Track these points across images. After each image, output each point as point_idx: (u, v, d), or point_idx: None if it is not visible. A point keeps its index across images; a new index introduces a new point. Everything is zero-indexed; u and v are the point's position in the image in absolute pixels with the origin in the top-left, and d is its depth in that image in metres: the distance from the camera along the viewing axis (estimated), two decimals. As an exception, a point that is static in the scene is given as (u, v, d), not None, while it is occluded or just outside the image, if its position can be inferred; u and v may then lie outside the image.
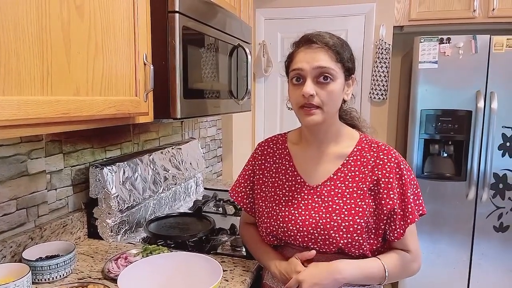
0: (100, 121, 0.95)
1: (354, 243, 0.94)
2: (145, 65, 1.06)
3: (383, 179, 0.96)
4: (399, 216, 0.95)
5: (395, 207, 0.94)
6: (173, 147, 1.80)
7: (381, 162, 0.97)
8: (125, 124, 1.59)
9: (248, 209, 1.12)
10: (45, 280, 1.04)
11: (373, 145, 1.01)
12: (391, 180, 0.95)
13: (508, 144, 2.23)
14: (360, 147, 1.01)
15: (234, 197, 1.14)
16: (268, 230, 1.02)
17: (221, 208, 1.76)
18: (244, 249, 1.30)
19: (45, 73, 0.76)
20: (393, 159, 0.97)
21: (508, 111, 2.21)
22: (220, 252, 1.30)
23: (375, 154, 0.98)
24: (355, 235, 0.93)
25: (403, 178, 0.96)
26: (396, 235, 0.96)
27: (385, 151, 0.99)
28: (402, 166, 0.97)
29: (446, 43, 2.25)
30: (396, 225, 0.95)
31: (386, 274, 0.94)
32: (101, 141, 1.46)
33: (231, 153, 2.72)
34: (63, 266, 1.06)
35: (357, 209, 0.94)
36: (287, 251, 1.02)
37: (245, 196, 1.12)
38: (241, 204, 1.13)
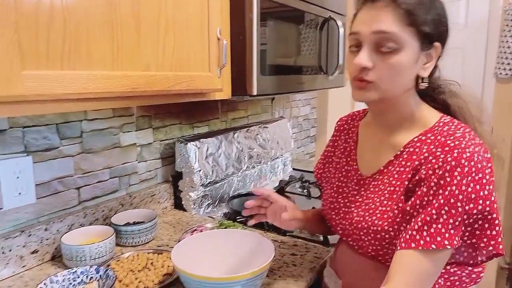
0: (171, 97, 0.96)
1: (385, 250, 0.77)
2: (219, 40, 1.04)
3: (423, 183, 0.71)
4: (415, 224, 0.71)
5: (407, 208, 0.73)
6: (260, 125, 1.79)
7: (433, 161, 0.71)
8: (213, 102, 1.63)
9: (323, 189, 1.03)
10: (129, 243, 1.13)
11: (439, 137, 0.74)
12: (427, 181, 0.71)
13: None
14: (423, 137, 0.77)
15: (315, 174, 1.06)
16: (323, 213, 0.94)
17: (306, 190, 1.70)
18: (322, 236, 1.23)
19: (115, 49, 0.79)
20: (449, 159, 0.69)
21: None
22: (296, 235, 1.25)
23: (434, 149, 0.72)
24: (384, 243, 0.77)
25: (449, 188, 0.68)
26: (401, 240, 0.72)
27: (448, 148, 0.70)
28: (456, 173, 0.68)
29: None
30: (408, 230, 0.72)
31: None
32: (189, 118, 1.52)
33: (325, 133, 2.61)
34: (144, 232, 1.14)
35: (389, 213, 0.76)
36: (341, 245, 0.93)
37: (323, 175, 1.03)
38: (319, 182, 1.04)
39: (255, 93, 1.17)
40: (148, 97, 0.90)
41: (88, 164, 1.16)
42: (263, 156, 1.75)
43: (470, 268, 0.77)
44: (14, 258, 0.97)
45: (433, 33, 0.74)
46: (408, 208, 0.73)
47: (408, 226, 0.72)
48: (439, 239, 0.68)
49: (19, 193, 0.99)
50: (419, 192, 0.72)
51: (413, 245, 0.70)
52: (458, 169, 0.68)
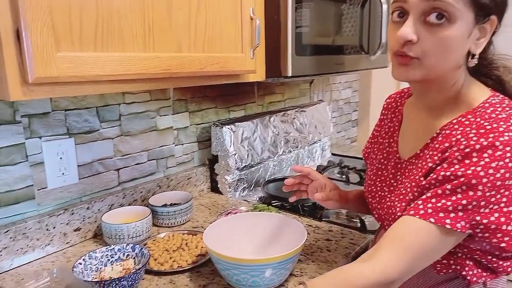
0: (203, 79, 0.96)
1: None
2: (252, 20, 1.01)
3: (447, 160, 0.65)
4: (421, 195, 0.66)
5: (423, 183, 0.67)
6: (297, 109, 1.75)
7: (463, 141, 0.64)
8: (250, 86, 1.61)
9: (369, 170, 0.98)
10: (165, 224, 1.16)
11: (478, 118, 0.66)
12: (452, 160, 0.64)
13: None
14: (463, 119, 0.69)
15: (363, 153, 1.01)
16: (365, 195, 0.90)
17: (344, 176, 1.65)
18: (359, 222, 1.19)
19: (147, 30, 0.80)
20: (481, 140, 0.62)
21: None
22: (332, 220, 1.22)
23: (468, 131, 0.65)
24: None
25: (472, 168, 0.61)
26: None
27: (483, 130, 0.63)
28: (486, 155, 0.61)
29: None
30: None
31: None
32: (225, 102, 1.52)
33: (368, 117, 2.52)
34: (180, 214, 1.16)
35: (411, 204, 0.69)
36: (381, 230, 0.88)
37: (368, 151, 0.98)
38: (366, 161, 0.99)
39: (290, 74, 1.14)
40: (181, 79, 0.90)
41: (127, 146, 1.20)
42: (300, 140, 1.72)
43: (495, 259, 0.69)
44: (58, 235, 1.02)
45: (490, 4, 0.65)
46: (424, 182, 0.67)
47: (421, 196, 0.66)
48: (441, 215, 0.62)
49: (62, 173, 1.04)
50: (438, 167, 0.66)
51: (411, 212, 0.64)
52: (489, 151, 0.61)
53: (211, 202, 1.36)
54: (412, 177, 0.74)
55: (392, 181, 0.81)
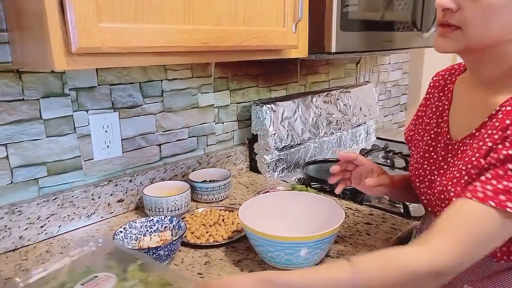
0: (243, 53, 0.94)
1: None
2: (295, -8, 0.98)
3: (509, 138, 0.59)
4: (479, 176, 0.60)
5: (473, 158, 0.62)
6: (342, 90, 1.69)
7: None
8: (292, 65, 1.57)
9: (411, 151, 0.93)
10: (203, 200, 1.17)
11: None
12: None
13: None
14: None
15: (405, 136, 0.96)
16: (410, 180, 0.85)
17: (389, 160, 1.58)
18: (402, 207, 1.14)
19: (187, 2, 0.79)
20: None
21: None
22: (373, 204, 1.17)
23: None
24: None
25: None
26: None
27: None
28: None
29: None
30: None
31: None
32: (267, 81, 1.50)
33: (418, 101, 2.38)
34: (218, 190, 1.17)
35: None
36: (428, 216, 0.83)
37: (410, 134, 0.93)
38: (409, 145, 0.94)
39: (333, 50, 1.09)
40: (220, 53, 0.89)
41: (168, 122, 1.21)
42: (343, 122, 1.66)
43: None
44: (102, 205, 1.07)
45: None
46: (482, 163, 0.62)
47: (478, 178, 0.61)
48: (502, 197, 0.57)
49: (107, 146, 1.08)
50: (500, 146, 0.60)
51: (468, 195, 0.59)
52: None
53: (249, 181, 1.36)
54: (466, 159, 0.68)
55: (443, 163, 0.76)
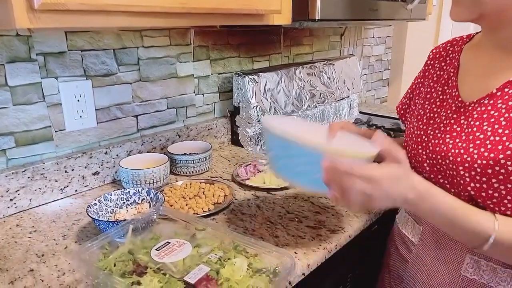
0: (224, 17, 0.88)
1: (490, 191, 0.64)
2: (278, -47, 0.92)
3: None
4: None
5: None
6: (325, 62, 1.65)
7: None
8: (275, 35, 1.52)
9: (405, 124, 0.92)
10: (183, 172, 1.14)
11: None
12: None
13: None
14: None
15: (397, 110, 0.96)
16: (405, 151, 0.83)
17: (372, 134, 1.57)
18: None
19: (162, -43, 0.73)
20: None
21: None
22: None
23: None
24: (494, 180, 0.64)
25: None
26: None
27: None
28: None
29: None
30: None
31: (493, 237, 0.61)
32: (249, 51, 1.45)
33: (400, 77, 2.38)
34: (199, 163, 1.14)
35: (508, 144, 0.63)
36: None
37: (407, 110, 0.92)
38: (402, 118, 0.94)
39: (318, 17, 1.05)
40: (199, 15, 0.83)
41: (146, 92, 1.16)
42: (327, 95, 1.63)
43: None
44: (76, 178, 1.02)
45: None
46: None
47: None
48: None
49: (80, 116, 1.02)
50: None
51: None
52: None
53: (231, 155, 1.33)
54: (492, 120, 0.66)
55: (455, 126, 0.73)
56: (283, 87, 1.43)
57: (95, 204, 0.84)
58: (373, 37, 2.14)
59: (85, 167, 1.03)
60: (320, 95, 1.60)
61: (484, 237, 0.62)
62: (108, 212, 0.85)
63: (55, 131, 0.99)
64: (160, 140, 1.20)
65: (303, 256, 0.76)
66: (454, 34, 2.33)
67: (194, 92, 1.30)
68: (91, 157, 1.04)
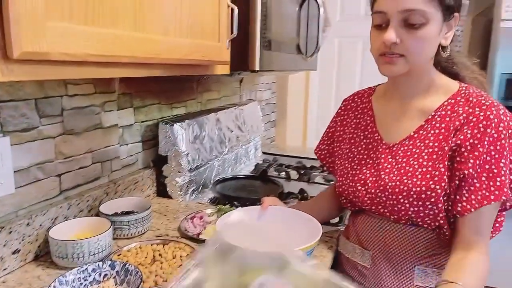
0: (185, 67, 0.86)
1: (427, 212, 0.80)
2: (228, 7, 0.95)
3: (471, 140, 0.76)
4: (474, 188, 0.76)
5: (466, 172, 0.75)
6: (236, 107, 1.72)
7: (474, 119, 0.77)
8: (190, 82, 1.52)
9: (331, 169, 1.05)
10: (123, 235, 1.01)
11: (471, 98, 0.80)
12: (479, 142, 0.75)
13: None
14: (453, 101, 0.82)
15: (317, 154, 1.07)
16: (340, 189, 0.94)
17: (284, 173, 1.68)
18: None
19: (137, 4, 0.68)
20: (491, 117, 0.76)
21: None
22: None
23: (470, 110, 0.78)
24: (428, 203, 0.78)
25: (498, 143, 0.75)
26: (460, 208, 0.77)
27: (484, 107, 0.77)
28: (501, 128, 0.75)
29: (537, -4, 1.99)
30: (464, 197, 0.76)
31: None
32: (168, 98, 1.40)
33: (285, 118, 2.62)
34: (141, 222, 1.02)
35: (433, 172, 0.78)
36: (361, 218, 0.93)
37: (327, 154, 1.05)
38: (324, 162, 1.06)
39: (257, 68, 1.10)
40: (167, 66, 0.79)
41: (70, 147, 1.00)
42: (240, 139, 1.69)
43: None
44: (-6, 261, 0.80)
45: (453, 4, 0.78)
46: (470, 170, 0.76)
47: (472, 188, 0.76)
48: (505, 190, 0.75)
49: (-4, 182, 0.81)
50: (476, 153, 0.75)
51: (485, 202, 0.75)
52: (501, 124, 0.76)
53: (163, 208, 1.23)
54: (415, 156, 0.82)
55: (386, 164, 0.86)
56: (207, 133, 1.42)
57: (50, 292, 0.67)
58: (262, 83, 2.32)
59: (4, 245, 0.82)
60: (237, 139, 1.64)
61: None
62: (65, 299, 0.69)
63: (-37, 205, 0.76)
64: (88, 200, 1.04)
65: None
66: (321, 82, 2.72)
67: (119, 143, 1.18)
68: (10, 232, 0.83)
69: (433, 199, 0.78)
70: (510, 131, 0.76)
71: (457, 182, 0.78)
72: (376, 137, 0.91)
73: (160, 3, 0.73)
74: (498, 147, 0.75)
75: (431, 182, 0.78)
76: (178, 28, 0.79)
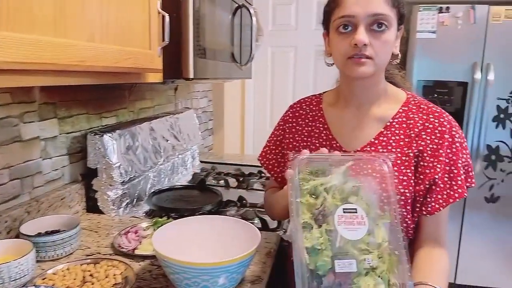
0: (113, 75, 0.82)
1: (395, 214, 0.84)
2: (159, 14, 0.93)
3: (431, 146, 0.84)
4: (440, 188, 0.83)
5: (436, 176, 0.82)
6: (171, 116, 1.68)
7: (430, 126, 0.85)
8: (121, 90, 1.46)
9: (279, 179, 1.02)
10: (48, 257, 0.92)
11: (422, 106, 0.88)
12: (439, 147, 0.83)
13: (502, 115, 2.25)
14: (406, 109, 0.88)
15: (265, 165, 1.04)
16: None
17: (223, 181, 1.67)
18: (257, 221, 1.23)
19: (58, 9, 0.63)
20: (445, 123, 0.84)
21: (503, 83, 2.21)
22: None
23: (424, 117, 0.86)
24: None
25: (454, 146, 0.84)
26: (430, 209, 0.83)
27: (436, 114, 0.86)
28: (454, 132, 0.84)
29: (445, 12, 2.22)
30: (433, 198, 0.83)
31: None
32: (97, 107, 1.32)
33: (223, 126, 2.61)
34: (68, 241, 0.95)
35: (401, 177, 0.84)
36: None
37: (276, 164, 1.02)
38: (272, 172, 1.03)
39: (191, 76, 1.09)
40: (94, 74, 0.75)
41: (-18, 163, 0.90)
42: (176, 148, 1.65)
43: None
44: None
45: (405, 14, 0.84)
46: (440, 174, 0.83)
47: (438, 189, 0.83)
48: (465, 187, 0.84)
49: None
50: (440, 158, 0.83)
51: (451, 200, 0.83)
52: (453, 129, 0.85)
53: (94, 224, 1.16)
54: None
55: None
56: (140, 143, 1.37)
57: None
58: (198, 91, 2.30)
59: None
60: (172, 148, 1.60)
61: None
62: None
63: None
64: (6, 221, 0.94)
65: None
66: (257, 90, 2.77)
67: (41, 157, 1.09)
68: None
69: (402, 203, 0.83)
70: (460, 132, 0.86)
71: (427, 186, 0.84)
72: (334, 145, 0.91)
73: (83, 7, 0.69)
74: (454, 149, 0.84)
75: (400, 187, 0.84)
76: (105, 34, 0.76)
